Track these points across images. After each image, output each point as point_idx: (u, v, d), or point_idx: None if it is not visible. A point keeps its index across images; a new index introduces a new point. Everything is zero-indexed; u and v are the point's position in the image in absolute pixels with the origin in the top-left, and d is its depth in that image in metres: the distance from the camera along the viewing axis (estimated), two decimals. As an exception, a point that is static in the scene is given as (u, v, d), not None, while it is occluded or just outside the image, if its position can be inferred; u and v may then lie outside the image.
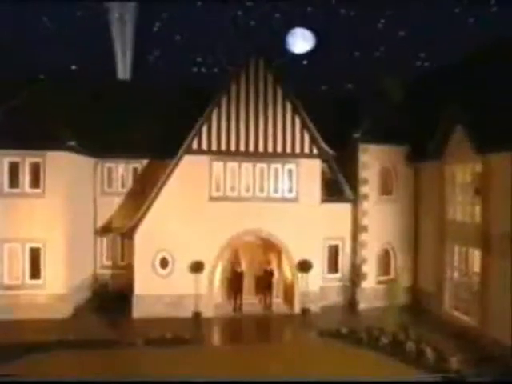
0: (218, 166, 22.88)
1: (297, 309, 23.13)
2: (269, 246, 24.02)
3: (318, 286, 23.52)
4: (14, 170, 21.83)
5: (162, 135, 25.32)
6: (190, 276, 22.27)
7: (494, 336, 18.27)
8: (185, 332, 19.60)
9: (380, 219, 24.27)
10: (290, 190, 23.33)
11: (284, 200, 23.24)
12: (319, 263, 23.66)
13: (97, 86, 28.11)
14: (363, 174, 24.30)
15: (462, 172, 21.34)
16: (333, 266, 24.86)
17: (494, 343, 18.14)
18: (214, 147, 22.86)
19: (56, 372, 15.58)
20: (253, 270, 24.12)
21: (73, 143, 22.04)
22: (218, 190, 22.91)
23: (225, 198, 22.84)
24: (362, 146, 24.22)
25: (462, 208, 21.25)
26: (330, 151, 23.39)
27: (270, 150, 23.15)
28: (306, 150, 23.39)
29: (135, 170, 26.68)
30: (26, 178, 21.93)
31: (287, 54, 26.25)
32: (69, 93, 26.82)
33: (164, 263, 22.42)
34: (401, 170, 24.76)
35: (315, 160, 23.55)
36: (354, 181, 24.63)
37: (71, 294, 22.58)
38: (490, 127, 18.77)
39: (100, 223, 26.39)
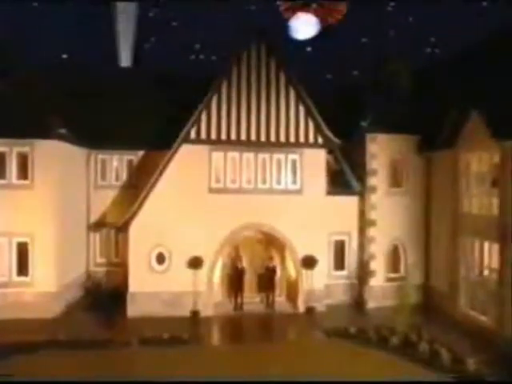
0: (217, 156, 22.35)
1: (301, 308, 22.65)
2: (271, 241, 23.56)
3: (323, 284, 22.98)
4: (0, 160, 21.09)
5: (158, 125, 24.82)
6: (188, 272, 21.72)
7: (513, 336, 17.61)
8: (182, 331, 19.08)
9: (389, 213, 23.65)
10: (294, 182, 22.83)
11: (287, 192, 22.72)
12: (324, 259, 23.18)
13: (91, 74, 27.70)
14: (371, 164, 23.74)
15: (477, 161, 20.60)
16: (339, 263, 24.34)
17: (513, 344, 17.48)
18: (213, 136, 22.31)
19: (44, 373, 14.98)
20: (254, 266, 23.66)
21: (63, 131, 21.37)
22: (217, 181, 22.39)
23: (225, 190, 22.32)
24: (369, 136, 23.65)
25: (478, 200, 20.54)
26: (336, 140, 22.80)
27: (273, 139, 22.60)
28: (311, 140, 22.82)
29: (130, 162, 26.05)
30: (13, 168, 21.20)
31: (290, 40, 25.20)
32: (59, 81, 25.88)
33: (160, 259, 21.88)
34: (411, 161, 24.11)
35: (320, 150, 23.01)
36: (361, 172, 24.11)
37: (61, 292, 21.93)
38: (508, 113, 17.99)
39: (93, 218, 25.82)
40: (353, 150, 24.27)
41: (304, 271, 22.59)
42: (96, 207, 25.73)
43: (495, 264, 19.27)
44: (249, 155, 22.55)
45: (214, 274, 22.58)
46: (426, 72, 26.70)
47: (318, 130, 22.76)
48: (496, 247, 19.00)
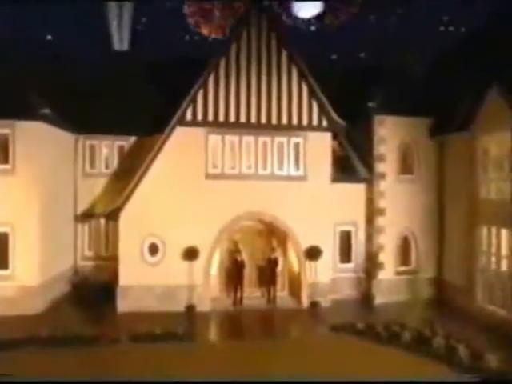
0: (215, 139, 21.73)
1: (304, 303, 22.06)
2: (272, 231, 22.98)
3: (328, 278, 22.36)
4: (-23, 143, 20.18)
5: (152, 109, 24.13)
6: (183, 264, 21.11)
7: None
8: (176, 327, 18.23)
9: (399, 201, 23.01)
10: (297, 168, 22.22)
11: (290, 178, 22.08)
12: (330, 251, 22.50)
13: (79, 56, 27.15)
14: (379, 149, 23.07)
15: (496, 144, 19.81)
16: (345, 255, 23.74)
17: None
18: (210, 118, 21.66)
19: (25, 371, 14.23)
20: (254, 258, 23.11)
21: (47, 111, 20.46)
22: (215, 166, 21.78)
23: (223, 176, 21.72)
24: (377, 118, 22.95)
25: (496, 186, 19.83)
26: (342, 123, 22.14)
27: (274, 121, 21.96)
28: (315, 122, 22.17)
29: (121, 148, 25.37)
30: (-9, 152, 20.25)
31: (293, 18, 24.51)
32: (45, 62, 25.39)
33: (153, 249, 21.24)
34: (423, 145, 23.47)
35: (325, 133, 22.31)
36: (369, 158, 23.46)
37: (46, 287, 21.08)
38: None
39: (81, 208, 25.04)
40: (360, 134, 23.66)
41: (308, 264, 22.02)
42: (84, 197, 24.97)
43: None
44: (248, 138, 21.91)
45: (211, 266, 21.93)
46: (440, 51, 26.12)
47: (322, 111, 22.08)
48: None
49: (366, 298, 23.14)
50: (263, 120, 21.88)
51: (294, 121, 22.06)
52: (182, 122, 21.39)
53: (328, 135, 22.33)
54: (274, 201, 21.70)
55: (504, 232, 19.27)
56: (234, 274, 22.27)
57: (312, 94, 22.05)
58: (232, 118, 21.73)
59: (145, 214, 20.97)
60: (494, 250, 20.04)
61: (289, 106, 22.03)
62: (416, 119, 23.12)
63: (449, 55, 25.08)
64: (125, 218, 21.08)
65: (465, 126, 20.97)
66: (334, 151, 22.99)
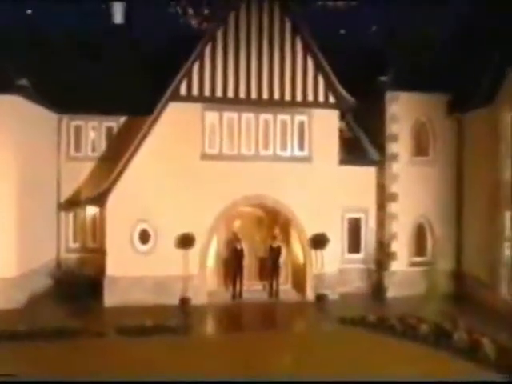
0: (212, 116, 21.25)
1: (309, 295, 21.62)
2: (274, 218, 22.76)
3: (335, 268, 21.96)
4: None
5: (144, 87, 23.30)
6: (176, 253, 20.67)
7: None
8: (169, 320, 17.77)
9: (413, 185, 22.58)
10: (301, 148, 21.78)
11: (294, 160, 21.66)
12: (337, 240, 22.13)
13: (64, 29, 26.24)
14: (392, 128, 22.56)
15: (522, 121, 19.40)
16: (354, 244, 23.34)
17: None
18: (207, 93, 21.16)
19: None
20: (255, 248, 22.86)
21: (24, 83, 19.49)
22: (211, 146, 21.30)
23: (220, 157, 21.27)
24: (390, 94, 22.43)
25: (524, 167, 19.37)
26: (351, 99, 21.61)
27: (277, 97, 21.54)
28: (321, 98, 21.75)
29: (110, 129, 24.57)
30: (-40, 130, 19.45)
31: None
32: (26, 34, 24.42)
33: (144, 237, 20.77)
34: (440, 123, 22.96)
35: (332, 111, 21.86)
36: (380, 138, 22.91)
37: (24, 279, 20.30)
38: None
39: (65, 195, 24.30)
40: (370, 112, 23.09)
41: (313, 254, 21.62)
42: (68, 183, 24.19)
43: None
44: (249, 116, 21.49)
45: (208, 255, 21.51)
46: (458, 18, 25.29)
47: (329, 86, 21.57)
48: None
49: (376, 292, 22.65)
50: (265, 96, 21.48)
51: (299, 97, 21.68)
52: (176, 97, 20.82)
53: (335, 113, 21.91)
54: (277, 184, 21.30)
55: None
56: (233, 264, 21.86)
57: (318, 67, 21.59)
58: (230, 94, 21.30)
59: (135, 198, 20.41)
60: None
61: (293, 81, 21.62)
62: (432, 95, 22.61)
63: (468, 26, 24.51)
64: (113, 203, 20.51)
65: (487, 102, 20.52)
66: (341, 132, 22.66)
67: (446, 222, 23.02)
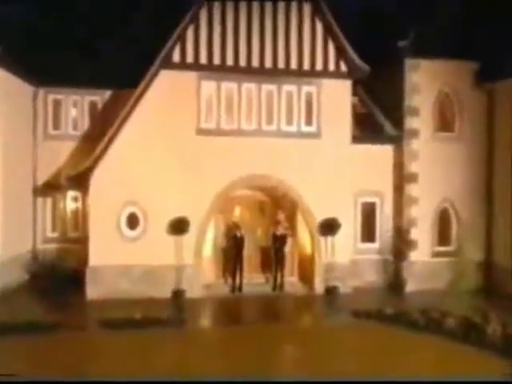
0: (208, 86, 20.81)
1: (318, 288, 21.26)
2: (279, 202, 22.51)
3: (347, 259, 21.54)
4: None
5: (132, 57, 22.43)
6: (169, 240, 20.27)
7: None
8: (160, 313, 17.46)
9: (436, 165, 22.11)
10: (309, 123, 21.40)
11: (300, 135, 21.26)
12: (349, 227, 21.67)
13: None
14: (412, 101, 22.10)
15: None
16: (368, 233, 22.89)
17: None
18: (203, 60, 20.72)
19: None
20: (256, 236, 22.61)
21: None
22: (208, 120, 20.89)
23: (218, 132, 20.85)
24: (409, 62, 21.95)
25: None
26: (366, 67, 21.15)
27: (282, 65, 21.18)
28: (331, 67, 21.47)
29: (93, 104, 24.11)
30: None
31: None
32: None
33: (133, 221, 20.35)
34: (467, 95, 22.48)
35: (344, 81, 21.50)
36: (398, 112, 22.41)
37: None
38: None
39: (42, 179, 23.84)
40: (386, 82, 22.63)
41: (323, 242, 21.29)
42: (46, 164, 23.72)
43: None
44: (250, 86, 21.07)
45: (204, 242, 21.17)
46: None
47: (340, 53, 21.28)
48: None
49: (394, 285, 22.26)
50: (268, 64, 21.11)
51: (306, 65, 21.36)
52: (169, 64, 20.39)
53: (348, 83, 21.56)
54: (281, 163, 20.99)
55: None
56: (233, 253, 21.58)
57: (328, 32, 21.24)
58: (230, 61, 20.93)
59: (122, 177, 20.02)
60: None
61: (299, 47, 21.28)
62: (458, 63, 22.28)
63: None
64: (96, 183, 20.07)
65: (521, 71, 20.00)
66: (354, 107, 22.26)
67: (474, 207, 22.71)
